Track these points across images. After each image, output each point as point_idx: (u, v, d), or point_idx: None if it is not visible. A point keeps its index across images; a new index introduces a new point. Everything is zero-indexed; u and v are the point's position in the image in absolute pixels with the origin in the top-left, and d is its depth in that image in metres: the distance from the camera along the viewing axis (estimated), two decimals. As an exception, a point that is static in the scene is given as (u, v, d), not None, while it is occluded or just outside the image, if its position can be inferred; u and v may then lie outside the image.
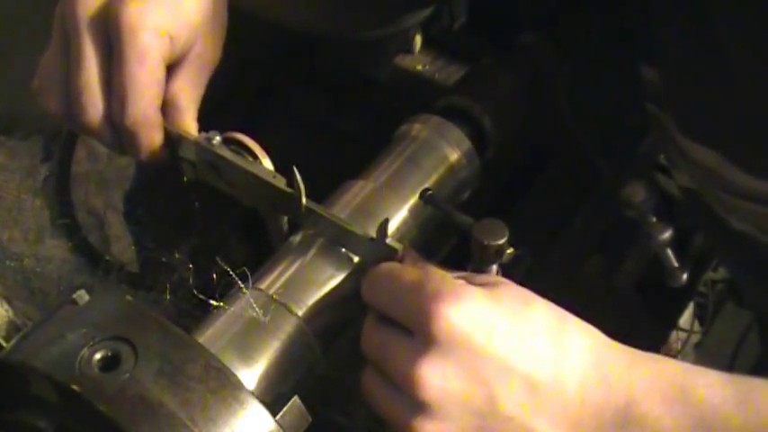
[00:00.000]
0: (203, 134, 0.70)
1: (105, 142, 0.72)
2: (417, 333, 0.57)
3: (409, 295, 0.58)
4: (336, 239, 0.66)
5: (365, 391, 0.60)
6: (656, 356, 0.59)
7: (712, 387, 0.56)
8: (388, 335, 0.59)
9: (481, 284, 0.59)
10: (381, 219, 0.64)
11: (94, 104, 0.68)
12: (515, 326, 0.57)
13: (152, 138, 0.70)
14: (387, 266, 0.62)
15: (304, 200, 0.66)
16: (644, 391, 0.56)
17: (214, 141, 0.69)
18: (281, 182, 0.67)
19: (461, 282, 0.58)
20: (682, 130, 0.72)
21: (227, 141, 0.70)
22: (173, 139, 0.71)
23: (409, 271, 0.60)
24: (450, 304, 0.56)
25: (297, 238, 0.68)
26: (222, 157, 0.69)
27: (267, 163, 0.69)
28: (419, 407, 0.56)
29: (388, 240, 0.63)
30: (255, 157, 0.69)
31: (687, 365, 0.58)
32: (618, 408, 0.56)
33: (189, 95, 0.71)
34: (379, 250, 0.64)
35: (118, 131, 0.70)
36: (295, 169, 0.65)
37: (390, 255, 0.63)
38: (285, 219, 0.70)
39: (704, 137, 0.70)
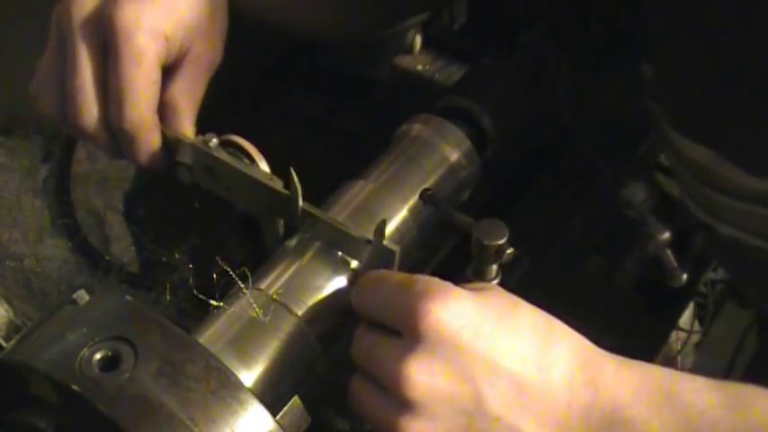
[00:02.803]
0: (199, 137, 0.70)
1: (102, 146, 0.72)
2: (405, 332, 0.57)
3: (397, 295, 0.58)
4: (333, 242, 0.66)
5: (353, 396, 0.60)
6: (643, 363, 0.59)
7: (699, 392, 0.56)
8: (377, 338, 0.59)
9: (469, 289, 0.59)
10: (382, 218, 0.64)
11: (89, 108, 0.68)
12: (502, 326, 0.57)
13: (150, 140, 0.69)
14: (374, 272, 0.62)
15: (301, 202, 0.66)
16: (631, 395, 0.56)
17: (211, 144, 0.69)
18: (277, 184, 0.67)
19: (449, 283, 0.58)
20: (675, 127, 0.72)
21: (223, 144, 0.69)
22: (170, 143, 0.71)
23: (396, 274, 0.61)
24: (438, 302, 0.56)
25: (295, 240, 0.68)
26: (218, 160, 0.69)
27: (264, 165, 0.69)
28: (406, 406, 0.56)
29: (386, 242, 0.63)
30: (252, 159, 0.69)
31: (674, 371, 0.58)
32: (605, 411, 0.56)
33: (187, 98, 0.71)
34: (376, 252, 0.64)
35: (115, 135, 0.69)
36: (292, 171, 0.65)
37: (388, 256, 0.63)
38: (281, 222, 0.69)
39: (698, 134, 0.70)
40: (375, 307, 0.60)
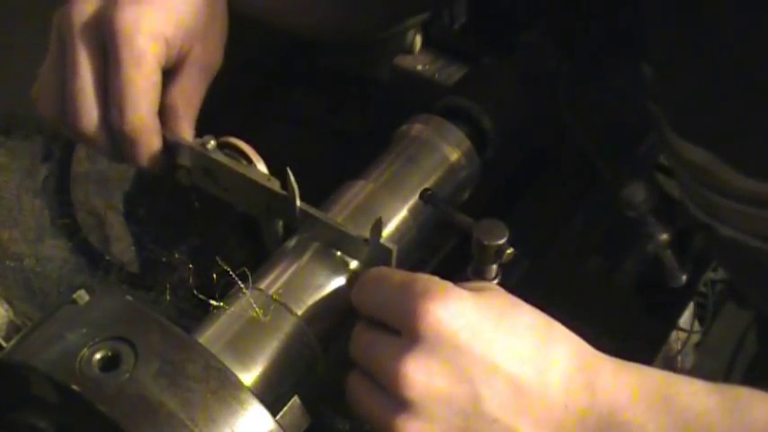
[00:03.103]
0: (197, 140, 0.70)
1: (102, 149, 0.71)
2: (404, 331, 0.57)
3: (397, 295, 0.58)
4: (331, 241, 0.66)
5: (350, 393, 0.60)
6: (640, 365, 0.59)
7: (696, 395, 0.56)
8: (376, 336, 0.59)
9: (469, 289, 0.59)
10: (378, 217, 0.64)
11: (89, 110, 0.68)
12: (501, 327, 0.57)
13: (151, 143, 0.69)
14: (375, 270, 0.62)
15: (298, 202, 0.66)
16: (628, 399, 0.56)
17: (209, 146, 0.69)
18: (275, 185, 0.67)
19: (449, 283, 0.58)
20: (675, 129, 0.72)
21: (221, 146, 0.70)
22: (169, 146, 0.71)
23: (397, 273, 0.61)
24: (438, 302, 0.56)
25: (295, 240, 0.68)
26: (217, 162, 0.69)
27: (261, 166, 0.69)
28: (403, 405, 0.56)
29: (382, 240, 0.63)
30: (250, 161, 0.69)
31: (671, 374, 0.58)
32: (602, 414, 0.56)
33: (186, 101, 0.71)
34: (373, 251, 0.64)
35: (116, 138, 0.69)
36: (288, 171, 0.65)
37: (385, 255, 0.63)
38: (280, 223, 0.70)
39: (697, 136, 0.71)
40: (375, 305, 0.60)
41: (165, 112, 0.70)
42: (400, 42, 1.00)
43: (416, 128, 0.76)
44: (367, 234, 0.64)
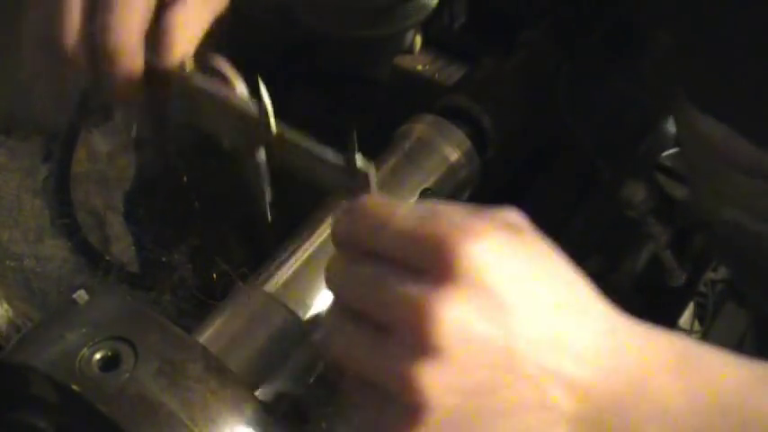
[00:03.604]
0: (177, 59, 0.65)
1: (81, 70, 0.66)
2: (430, 269, 0.48)
3: (419, 228, 0.49)
4: (307, 168, 0.61)
5: (335, 338, 0.51)
6: (669, 332, 0.55)
7: (728, 366, 0.54)
8: (378, 267, 0.49)
9: (499, 221, 0.51)
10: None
11: (72, 25, 0.64)
12: (540, 275, 0.51)
13: (131, 65, 0.65)
14: (368, 200, 0.53)
15: (272, 121, 0.61)
16: (658, 366, 0.53)
17: (186, 67, 0.64)
18: (251, 107, 0.62)
19: (479, 219, 0.50)
20: (691, 100, 0.72)
21: (202, 68, 0.65)
22: (149, 73, 0.66)
23: (401, 204, 0.52)
24: (474, 240, 0.48)
25: (294, 240, 0.68)
26: (191, 86, 0.64)
27: (241, 88, 0.65)
28: (426, 351, 0.47)
29: (358, 163, 0.57)
30: (230, 83, 0.65)
31: (700, 344, 0.56)
32: (630, 381, 0.52)
33: (183, 29, 0.66)
34: (347, 177, 0.58)
35: (96, 60, 0.65)
36: (259, 78, 0.60)
37: (362, 181, 0.57)
38: (263, 155, 0.64)
39: (713, 108, 0.70)
40: (388, 240, 0.50)
41: (158, 38, 0.66)
42: (400, 42, 1.00)
43: (417, 128, 0.77)
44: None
